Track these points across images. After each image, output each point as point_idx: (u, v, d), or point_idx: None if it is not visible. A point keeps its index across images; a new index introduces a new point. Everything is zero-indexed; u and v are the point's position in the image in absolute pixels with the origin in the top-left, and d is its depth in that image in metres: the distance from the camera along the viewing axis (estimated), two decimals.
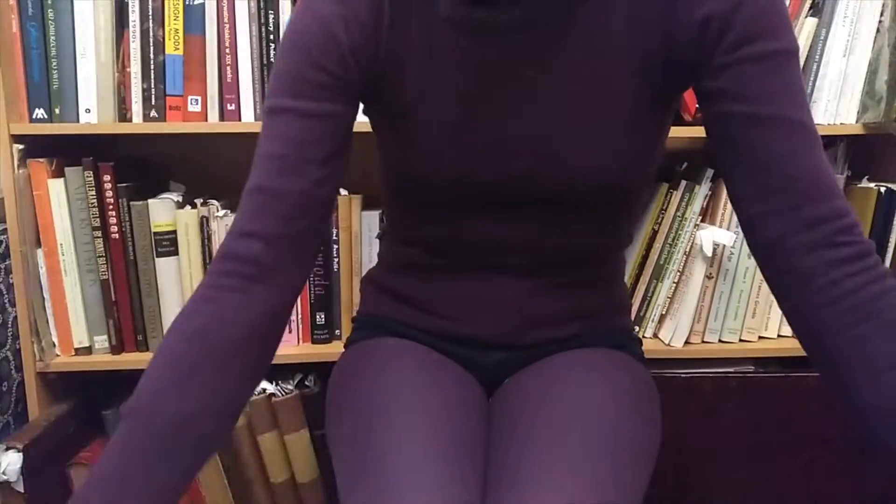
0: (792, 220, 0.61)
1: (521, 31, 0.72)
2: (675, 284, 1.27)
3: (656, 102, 0.75)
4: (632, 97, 0.73)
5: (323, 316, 1.27)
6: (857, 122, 1.24)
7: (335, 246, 1.25)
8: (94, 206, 1.17)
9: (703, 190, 1.23)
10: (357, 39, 0.71)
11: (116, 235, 1.19)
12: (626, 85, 0.72)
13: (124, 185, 1.18)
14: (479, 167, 0.76)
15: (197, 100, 1.19)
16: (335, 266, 1.26)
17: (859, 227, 0.61)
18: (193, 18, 1.17)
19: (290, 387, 1.23)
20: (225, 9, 1.17)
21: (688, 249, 1.25)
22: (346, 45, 0.70)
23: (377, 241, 1.26)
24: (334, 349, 1.26)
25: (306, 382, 1.25)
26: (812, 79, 1.23)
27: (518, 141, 0.75)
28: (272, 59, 1.20)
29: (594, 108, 0.73)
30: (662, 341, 1.29)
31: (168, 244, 1.21)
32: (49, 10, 1.14)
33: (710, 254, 1.23)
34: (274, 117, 0.70)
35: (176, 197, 1.23)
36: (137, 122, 1.18)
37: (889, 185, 1.22)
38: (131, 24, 1.16)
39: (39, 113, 1.17)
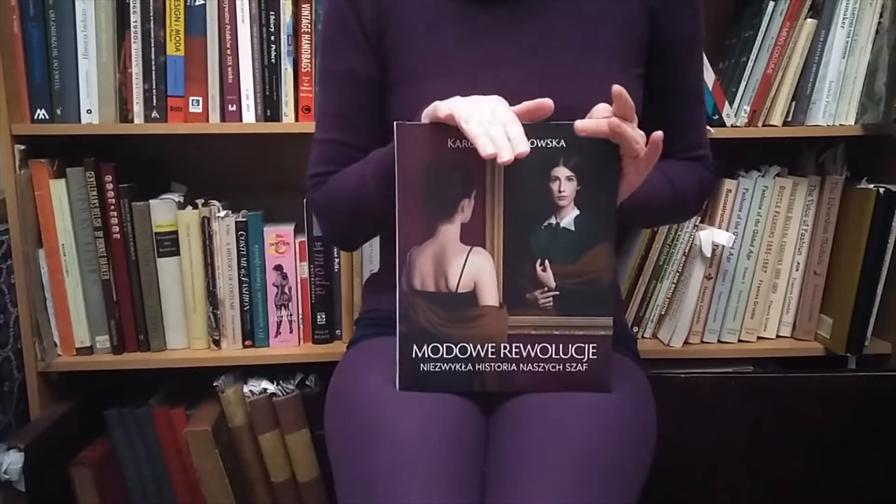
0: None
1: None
2: (674, 285, 1.27)
3: (638, 73, 0.88)
4: (618, 58, 0.86)
5: (323, 316, 1.28)
6: (856, 123, 1.25)
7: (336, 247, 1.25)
8: (95, 207, 1.18)
9: None
10: (378, 6, 0.87)
11: (118, 236, 1.19)
12: (611, 46, 0.86)
13: (126, 185, 1.18)
14: None
15: (198, 100, 1.20)
16: (336, 266, 1.26)
17: (706, 159, 0.97)
18: (195, 19, 1.17)
19: (290, 387, 1.24)
20: (226, 10, 1.18)
21: (687, 250, 1.26)
22: (367, 16, 0.87)
23: (377, 241, 1.26)
24: (335, 349, 1.26)
25: (307, 382, 1.26)
26: (811, 80, 1.24)
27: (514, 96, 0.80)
28: (273, 60, 1.20)
29: (585, 69, 0.85)
30: (661, 341, 1.29)
31: (169, 244, 1.21)
32: (50, 11, 1.14)
33: (708, 254, 1.23)
34: (328, 81, 0.91)
35: (177, 197, 1.23)
36: (139, 123, 1.19)
37: (888, 187, 1.22)
38: (132, 24, 1.17)
39: (41, 113, 1.17)
